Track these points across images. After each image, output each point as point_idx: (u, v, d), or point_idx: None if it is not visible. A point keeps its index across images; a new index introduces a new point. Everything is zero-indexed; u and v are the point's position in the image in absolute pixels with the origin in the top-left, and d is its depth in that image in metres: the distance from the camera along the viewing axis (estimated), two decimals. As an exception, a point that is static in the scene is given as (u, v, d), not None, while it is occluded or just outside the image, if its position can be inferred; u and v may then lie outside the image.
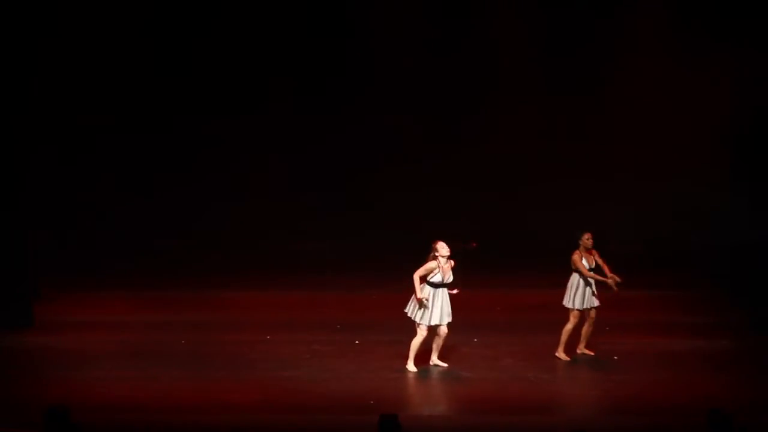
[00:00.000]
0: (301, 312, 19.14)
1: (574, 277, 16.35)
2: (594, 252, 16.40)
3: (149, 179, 23.19)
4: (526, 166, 23.14)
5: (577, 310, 16.35)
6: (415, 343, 15.94)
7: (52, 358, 16.49)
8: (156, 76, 22.95)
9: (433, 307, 15.72)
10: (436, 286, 15.72)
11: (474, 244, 23.31)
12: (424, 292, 15.70)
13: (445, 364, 16.12)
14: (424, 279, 15.72)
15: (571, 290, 16.37)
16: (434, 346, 16.10)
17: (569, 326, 16.44)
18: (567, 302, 16.43)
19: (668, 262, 21.56)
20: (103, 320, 18.52)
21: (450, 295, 15.81)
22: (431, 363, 16.14)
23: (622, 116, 22.90)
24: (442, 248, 15.75)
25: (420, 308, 15.74)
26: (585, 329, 16.56)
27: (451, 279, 15.78)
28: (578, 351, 16.65)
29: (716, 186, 21.85)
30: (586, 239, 16.36)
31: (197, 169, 23.25)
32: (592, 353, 16.66)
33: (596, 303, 16.41)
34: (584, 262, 16.29)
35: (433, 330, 15.90)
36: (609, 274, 16.33)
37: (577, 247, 16.36)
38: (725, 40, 21.72)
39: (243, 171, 23.32)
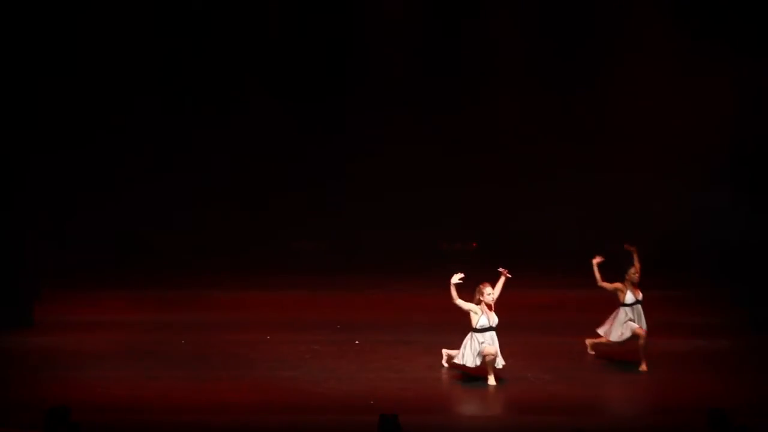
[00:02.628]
0: (301, 312, 19.13)
1: (620, 311, 16.14)
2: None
3: (149, 179, 23.15)
4: (526, 166, 23.11)
5: (610, 340, 16.24)
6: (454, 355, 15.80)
7: (52, 358, 16.46)
8: (154, 75, 22.93)
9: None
10: (484, 330, 15.41)
11: (474, 244, 23.36)
12: (479, 344, 15.34)
13: (446, 365, 16.11)
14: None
15: (613, 320, 16.18)
16: (446, 354, 16.09)
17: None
18: (602, 329, 16.25)
19: (668, 262, 21.53)
20: (103, 320, 18.51)
21: (504, 276, 15.51)
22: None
23: (622, 115, 22.87)
24: (488, 293, 15.37)
25: (469, 352, 15.40)
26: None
27: (496, 321, 15.45)
28: (589, 348, 16.62)
29: (716, 186, 21.82)
30: (632, 273, 16.12)
31: (197, 169, 23.21)
32: (593, 352, 16.67)
33: (636, 329, 16.03)
34: (629, 295, 16.09)
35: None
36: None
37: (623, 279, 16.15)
38: (726, 40, 21.70)
39: (243, 171, 23.29)
